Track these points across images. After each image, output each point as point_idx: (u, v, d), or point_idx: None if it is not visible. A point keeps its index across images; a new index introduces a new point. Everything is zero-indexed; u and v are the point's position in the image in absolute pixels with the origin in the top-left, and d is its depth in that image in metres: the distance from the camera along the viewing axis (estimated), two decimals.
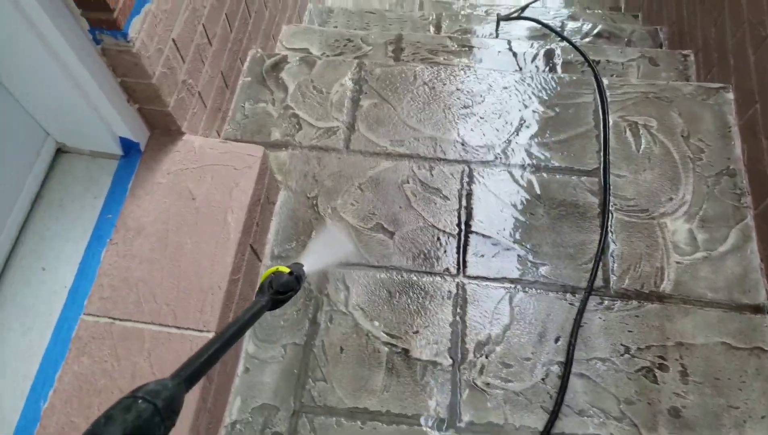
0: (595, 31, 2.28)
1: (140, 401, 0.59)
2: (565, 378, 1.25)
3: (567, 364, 1.27)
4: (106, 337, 1.14)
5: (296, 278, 1.04)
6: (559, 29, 2.25)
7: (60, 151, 1.32)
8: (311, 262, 1.26)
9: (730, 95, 1.62)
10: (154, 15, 1.14)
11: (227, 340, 0.83)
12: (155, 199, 1.27)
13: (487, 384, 1.26)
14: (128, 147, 1.30)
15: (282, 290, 1.00)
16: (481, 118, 1.61)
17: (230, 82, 1.61)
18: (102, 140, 1.27)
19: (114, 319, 1.15)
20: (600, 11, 2.77)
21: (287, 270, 1.03)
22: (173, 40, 1.24)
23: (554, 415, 1.22)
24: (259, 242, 1.38)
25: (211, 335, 1.15)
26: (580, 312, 1.33)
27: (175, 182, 1.29)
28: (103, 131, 1.24)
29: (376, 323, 1.33)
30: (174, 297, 1.18)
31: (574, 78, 1.68)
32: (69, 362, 1.11)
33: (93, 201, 1.27)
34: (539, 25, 2.20)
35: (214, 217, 1.26)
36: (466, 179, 1.51)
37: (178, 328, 1.15)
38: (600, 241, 1.41)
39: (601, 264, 1.39)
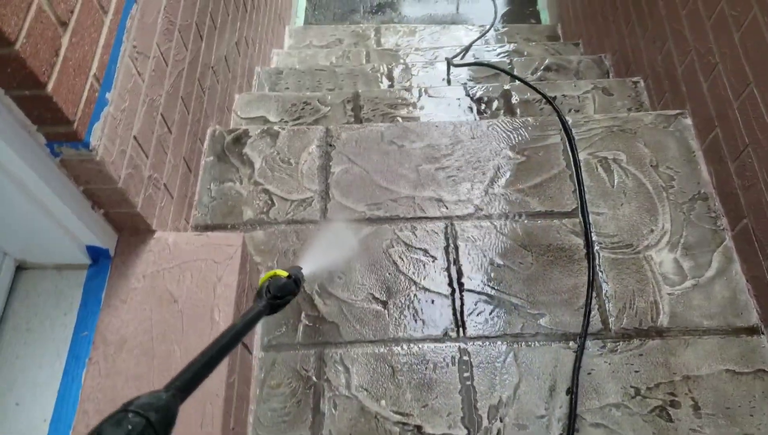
0: (544, 66, 2.33)
1: (131, 415, 0.56)
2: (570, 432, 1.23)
3: (571, 418, 1.24)
4: None
5: (294, 281, 1.05)
6: (509, 67, 2.29)
7: (20, 269, 1.22)
8: (311, 263, 1.21)
9: (689, 120, 1.67)
10: (113, 117, 1.08)
11: (222, 347, 0.80)
12: (134, 307, 1.18)
13: None
14: (97, 254, 1.21)
15: (280, 294, 1.01)
16: (454, 171, 1.60)
17: (193, 166, 1.54)
18: (67, 251, 1.18)
19: None
20: (541, 42, 2.84)
21: (285, 273, 1.04)
22: (135, 138, 1.17)
23: None
24: (249, 336, 1.31)
25: None
26: (578, 359, 1.31)
27: (152, 286, 1.21)
28: (67, 242, 1.15)
29: (383, 403, 1.27)
30: None
31: (539, 120, 1.69)
32: None
33: (64, 318, 1.17)
34: (494, 70, 2.24)
35: (201, 318, 1.18)
36: (450, 235, 1.49)
37: None
38: (588, 285, 1.40)
39: (597, 306, 1.38)
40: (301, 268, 1.17)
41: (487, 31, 2.87)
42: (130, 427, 0.55)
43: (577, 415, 1.25)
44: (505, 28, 3.05)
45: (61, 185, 1.05)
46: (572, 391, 1.26)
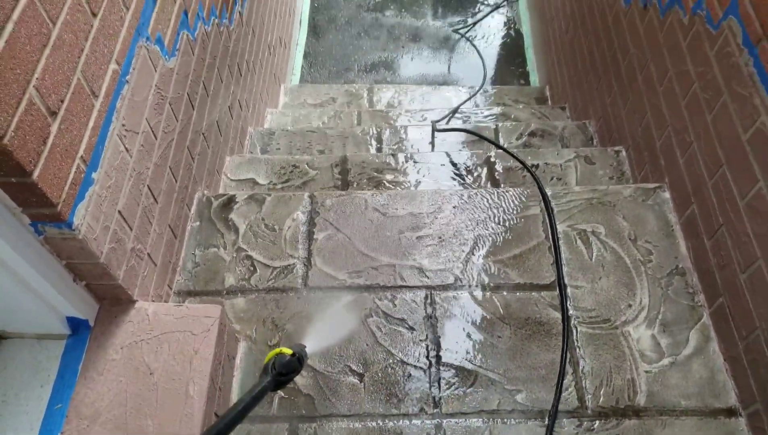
0: (529, 131, 2.39)
1: None
2: None
3: None
4: None
5: (298, 359, 1.10)
6: (493, 131, 2.35)
7: (0, 338, 1.23)
8: (313, 342, 1.24)
9: (667, 194, 1.71)
10: (98, 195, 1.11)
11: (229, 423, 0.86)
12: (109, 379, 1.19)
13: None
14: (76, 325, 1.23)
15: (285, 372, 1.07)
16: (435, 239, 1.62)
17: (178, 232, 1.57)
18: (47, 322, 1.20)
19: None
20: (529, 104, 2.92)
21: (290, 351, 1.09)
22: (119, 212, 1.20)
23: None
24: (223, 407, 1.31)
25: None
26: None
27: (130, 357, 1.22)
28: (47, 314, 1.17)
29: None
30: None
31: (519, 191, 1.73)
32: None
33: (40, 390, 1.18)
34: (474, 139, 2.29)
35: (176, 392, 1.18)
36: (429, 306, 1.50)
37: None
38: (562, 359, 1.41)
39: (574, 383, 1.39)
40: (305, 347, 1.20)
41: (474, 95, 2.95)
42: None
43: None
44: (494, 90, 3.14)
45: (43, 261, 1.08)
46: None
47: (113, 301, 1.28)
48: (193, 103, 1.64)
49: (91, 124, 1.07)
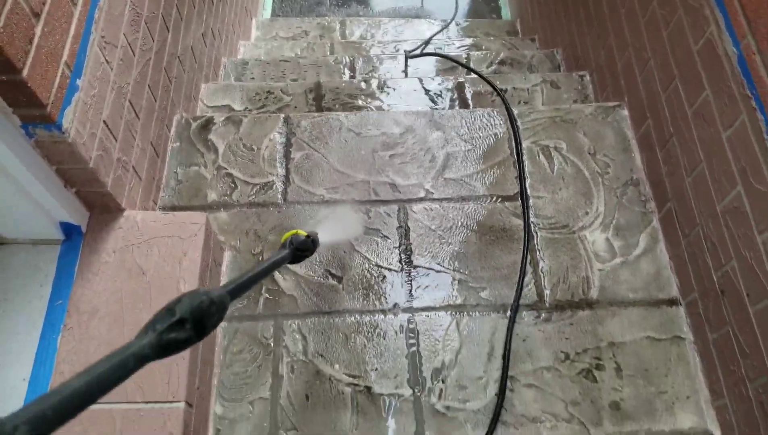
0: (499, 59, 2.46)
1: (202, 293, 0.76)
2: (501, 391, 1.36)
3: (503, 378, 1.38)
4: (74, 423, 1.13)
5: (312, 241, 1.24)
6: (464, 60, 2.42)
7: None
8: (324, 233, 1.36)
9: (625, 112, 1.82)
10: (84, 102, 1.17)
11: (250, 278, 0.94)
12: (105, 280, 1.28)
13: (447, 407, 1.35)
14: (69, 230, 1.30)
15: (302, 248, 1.20)
16: (407, 157, 1.71)
17: (160, 151, 1.63)
18: (42, 227, 1.27)
19: None
20: (500, 37, 2.97)
21: (305, 233, 1.22)
22: (104, 122, 1.26)
23: (493, 425, 1.33)
24: None
25: (181, 405, 1.17)
26: (510, 328, 1.44)
27: (122, 260, 1.30)
28: (42, 219, 1.24)
29: (337, 367, 1.39)
30: (139, 374, 1.18)
31: (487, 111, 1.82)
32: None
33: (39, 289, 1.26)
34: (450, 64, 2.35)
35: (167, 289, 1.28)
36: (402, 217, 1.61)
37: (148, 402, 1.16)
38: (523, 259, 1.54)
39: (533, 281, 1.52)
40: (317, 234, 1.30)
41: (447, 25, 2.99)
42: (202, 298, 0.74)
43: (511, 377, 1.38)
44: (467, 23, 3.18)
45: (36, 164, 1.14)
46: (505, 354, 1.40)
47: (103, 209, 1.35)
48: (167, 25, 1.67)
49: (71, 31, 1.12)
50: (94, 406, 1.16)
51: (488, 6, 3.64)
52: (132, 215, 1.36)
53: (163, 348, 0.68)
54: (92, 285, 1.27)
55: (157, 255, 1.31)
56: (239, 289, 0.89)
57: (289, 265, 1.47)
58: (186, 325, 0.70)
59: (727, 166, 1.30)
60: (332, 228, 1.50)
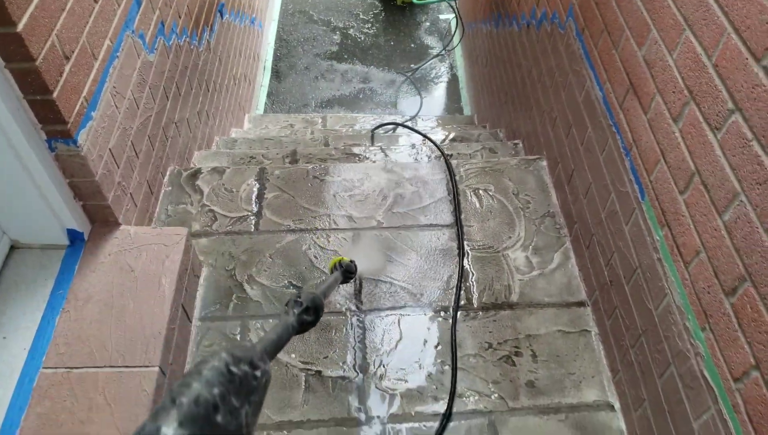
0: (451, 136, 2.88)
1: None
2: (453, 372, 1.59)
3: (453, 361, 1.61)
4: (64, 383, 1.36)
5: (354, 266, 1.59)
6: (421, 132, 2.83)
7: (13, 248, 1.60)
8: (360, 265, 1.66)
9: (544, 162, 2.18)
10: (95, 130, 1.52)
11: (325, 290, 1.30)
12: (100, 275, 1.56)
13: (388, 386, 1.57)
14: (74, 237, 1.60)
15: (350, 271, 1.57)
16: (363, 197, 2.05)
17: (154, 190, 1.97)
18: (52, 233, 1.57)
19: (71, 368, 1.39)
20: (458, 125, 3.44)
21: (348, 259, 1.58)
22: (110, 150, 1.61)
23: (451, 398, 1.54)
24: (188, 305, 1.67)
25: (155, 369, 1.40)
26: (454, 326, 1.69)
27: (116, 260, 1.59)
28: (54, 224, 1.55)
29: (293, 356, 1.62)
30: (122, 345, 1.43)
31: (431, 163, 2.19)
32: (32, 406, 1.32)
33: (45, 282, 1.54)
34: (410, 142, 2.77)
35: (151, 282, 1.55)
36: (356, 240, 1.91)
37: (128, 366, 1.40)
38: (459, 272, 1.82)
39: (464, 289, 1.79)
40: (354, 261, 1.63)
41: (414, 116, 3.47)
42: (315, 295, 1.14)
43: (441, 362, 1.61)
44: (434, 117, 3.66)
45: (54, 175, 1.47)
46: (453, 344, 1.64)
47: (103, 222, 1.65)
48: (167, 95, 2.08)
49: (91, 76, 1.50)
50: (81, 370, 1.39)
51: (453, 108, 4.19)
52: (127, 228, 1.67)
53: (300, 324, 1.08)
54: (89, 279, 1.54)
55: (145, 257, 1.60)
56: (324, 294, 1.25)
57: (261, 280, 1.75)
58: (310, 311, 1.11)
59: (604, 181, 1.63)
60: (363, 260, 1.79)
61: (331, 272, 1.56)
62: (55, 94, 1.33)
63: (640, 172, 1.41)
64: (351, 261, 1.60)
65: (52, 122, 1.38)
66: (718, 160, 1.07)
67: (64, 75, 1.36)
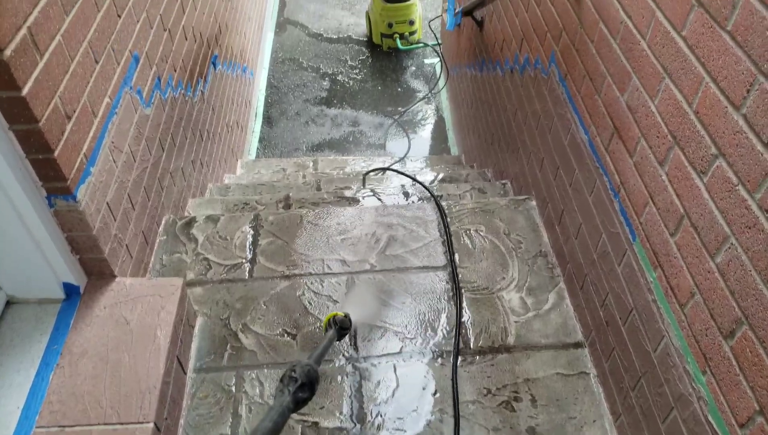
0: (440, 177, 2.92)
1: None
2: (456, 419, 1.58)
3: (455, 407, 1.60)
4: None
5: (349, 320, 1.56)
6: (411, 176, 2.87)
7: (10, 303, 1.59)
8: (355, 313, 1.65)
9: (533, 202, 2.22)
10: (94, 185, 1.54)
11: (321, 353, 1.30)
12: (95, 329, 1.55)
13: None
14: (70, 291, 1.60)
15: (345, 326, 1.53)
16: (356, 240, 2.07)
17: (150, 240, 1.97)
18: (49, 287, 1.57)
19: (63, 426, 1.37)
20: (446, 165, 3.49)
21: (342, 314, 1.56)
22: (107, 204, 1.62)
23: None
24: (183, 356, 1.66)
25: (150, 425, 1.38)
26: (455, 371, 1.69)
27: (111, 313, 1.59)
28: (50, 278, 1.55)
29: None
30: (117, 400, 1.42)
31: (422, 204, 2.22)
32: None
33: (40, 337, 1.53)
34: (400, 183, 2.81)
35: (146, 334, 1.55)
36: (350, 285, 1.91)
37: (122, 423, 1.38)
38: (457, 317, 1.83)
39: (461, 332, 1.79)
40: (349, 314, 1.61)
41: (401, 159, 3.52)
42: (309, 367, 1.12)
43: (440, 409, 1.60)
44: (422, 158, 3.72)
45: (53, 231, 1.48)
46: (454, 390, 1.63)
47: (99, 275, 1.65)
48: (163, 146, 2.11)
49: (91, 133, 1.53)
50: (75, 428, 1.37)
51: (440, 148, 4.26)
52: (122, 280, 1.67)
53: (296, 403, 1.08)
54: (84, 333, 1.53)
55: (140, 309, 1.60)
56: (318, 358, 1.25)
57: (256, 329, 1.75)
58: (305, 387, 1.10)
59: (594, 222, 1.66)
60: (357, 307, 1.79)
61: (325, 330, 1.53)
62: (56, 153, 1.35)
63: (629, 213, 1.44)
64: (345, 315, 1.58)
65: (53, 179, 1.40)
66: (706, 204, 1.10)
67: (66, 134, 1.39)
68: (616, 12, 1.46)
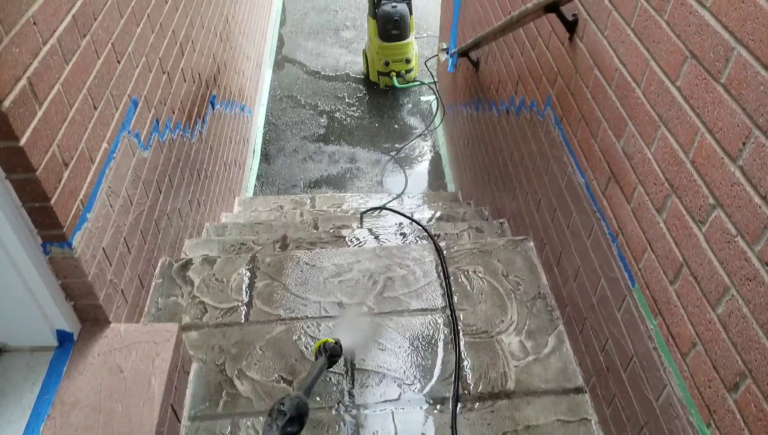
0: (437, 215, 2.92)
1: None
2: None
3: None
4: None
5: (340, 347, 1.58)
6: (410, 214, 2.88)
7: (1, 351, 1.56)
8: (345, 339, 1.65)
9: (531, 243, 2.21)
10: (90, 231, 1.53)
11: (311, 384, 1.33)
12: (88, 377, 1.52)
13: None
14: (63, 338, 1.57)
15: (335, 353, 1.56)
16: (353, 282, 2.05)
17: (145, 284, 1.95)
18: (42, 334, 1.54)
19: None
20: (443, 202, 3.50)
21: (332, 340, 1.56)
22: (103, 249, 1.61)
23: None
24: (178, 404, 1.63)
25: None
26: (454, 418, 1.66)
27: (105, 361, 1.56)
28: (43, 326, 1.52)
29: None
30: None
31: (420, 245, 2.21)
32: None
33: (32, 387, 1.49)
34: (397, 221, 2.81)
35: (140, 383, 1.52)
36: (342, 316, 1.89)
37: None
38: (456, 362, 1.80)
39: (460, 377, 1.77)
40: (339, 340, 1.62)
41: (400, 195, 3.53)
42: (298, 400, 1.17)
43: None
44: (419, 195, 3.73)
45: (47, 278, 1.46)
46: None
47: (93, 321, 1.63)
48: (160, 189, 2.11)
49: (88, 179, 1.52)
50: None
51: (437, 184, 4.28)
52: (117, 326, 1.64)
53: None
54: (77, 381, 1.51)
55: (134, 356, 1.57)
56: (308, 389, 1.28)
57: (251, 375, 1.72)
58: (294, 421, 1.12)
59: (592, 265, 1.65)
60: (348, 333, 1.78)
61: (316, 357, 1.53)
62: (52, 201, 1.34)
63: (628, 259, 1.44)
64: (336, 341, 1.58)
65: (49, 227, 1.39)
66: (705, 253, 1.10)
67: (63, 181, 1.39)
68: (611, 59, 1.48)
